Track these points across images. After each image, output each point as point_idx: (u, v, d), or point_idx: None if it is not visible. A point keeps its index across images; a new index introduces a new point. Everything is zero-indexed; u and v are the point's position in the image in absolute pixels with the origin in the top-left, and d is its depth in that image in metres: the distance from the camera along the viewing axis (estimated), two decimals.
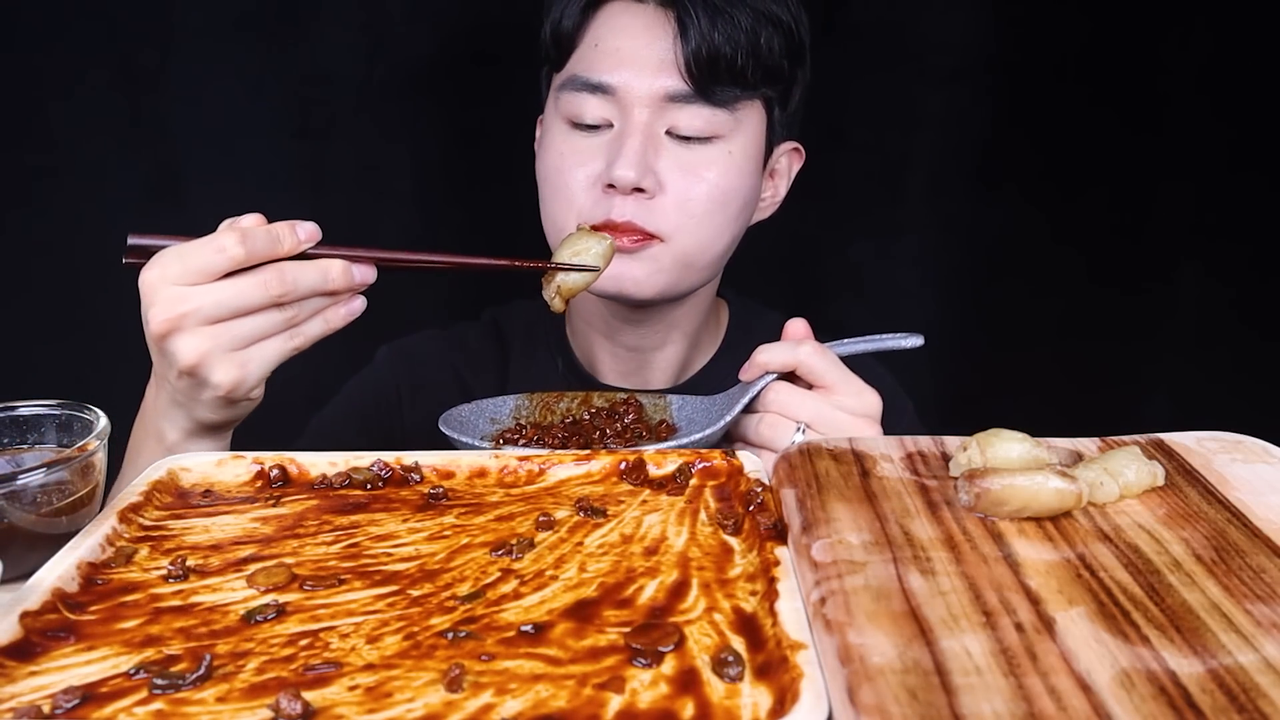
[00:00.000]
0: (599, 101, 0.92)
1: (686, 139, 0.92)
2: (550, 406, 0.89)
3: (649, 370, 1.05)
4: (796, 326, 0.80)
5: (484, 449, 0.75)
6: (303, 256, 0.72)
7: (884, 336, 0.81)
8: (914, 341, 0.81)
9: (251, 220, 0.72)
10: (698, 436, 0.76)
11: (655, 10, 0.91)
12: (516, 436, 0.84)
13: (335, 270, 0.72)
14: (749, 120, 0.94)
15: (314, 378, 1.17)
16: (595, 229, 0.91)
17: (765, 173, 1.00)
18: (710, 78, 0.90)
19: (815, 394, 0.77)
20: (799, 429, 0.74)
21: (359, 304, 0.75)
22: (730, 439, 0.80)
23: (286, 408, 1.19)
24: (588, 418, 0.87)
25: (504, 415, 0.87)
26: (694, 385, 1.06)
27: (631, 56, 0.91)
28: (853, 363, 0.80)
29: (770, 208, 1.04)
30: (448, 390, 1.06)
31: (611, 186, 0.90)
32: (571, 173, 0.93)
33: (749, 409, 0.78)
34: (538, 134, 1.06)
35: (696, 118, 0.91)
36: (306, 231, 0.72)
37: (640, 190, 0.90)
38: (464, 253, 0.80)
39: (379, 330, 1.33)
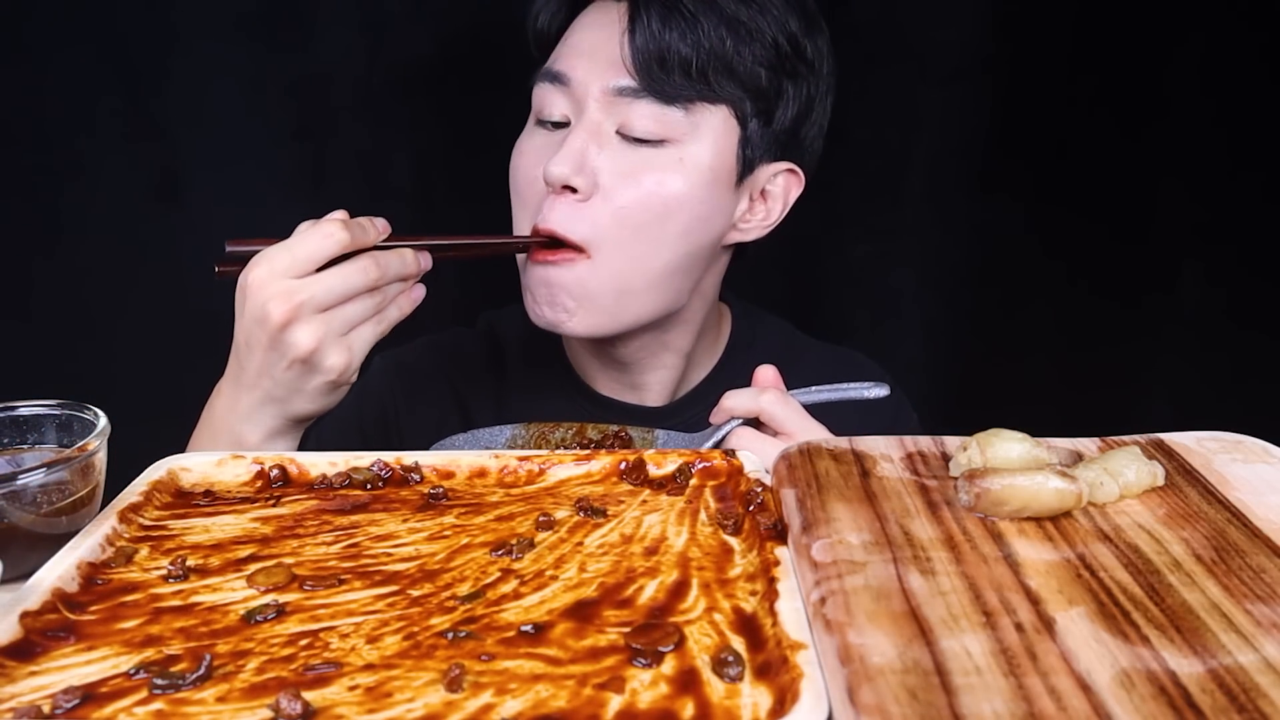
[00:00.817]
0: (560, 96, 0.90)
1: (636, 141, 0.88)
2: (546, 436, 0.88)
3: (643, 389, 1.03)
4: (765, 374, 0.82)
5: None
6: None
7: (849, 386, 0.84)
8: (879, 392, 0.83)
9: (339, 215, 0.78)
10: None
11: (619, 6, 0.90)
12: None
13: (409, 256, 0.79)
14: (709, 126, 0.89)
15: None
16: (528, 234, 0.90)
17: (747, 192, 0.95)
18: (658, 71, 0.86)
19: (777, 440, 0.78)
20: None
21: (420, 291, 0.81)
22: None
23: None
24: (579, 449, 0.88)
25: (499, 445, 0.87)
26: (693, 400, 1.04)
27: (591, 50, 0.89)
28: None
29: (758, 230, 0.98)
30: (443, 401, 1.06)
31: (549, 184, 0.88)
32: (525, 171, 0.92)
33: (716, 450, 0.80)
34: None
35: (647, 117, 0.87)
36: (382, 224, 0.79)
37: (573, 190, 0.87)
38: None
39: None
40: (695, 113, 0.88)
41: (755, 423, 0.80)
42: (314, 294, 0.73)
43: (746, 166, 0.93)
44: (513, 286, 1.15)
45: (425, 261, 0.80)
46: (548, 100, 0.91)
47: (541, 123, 0.92)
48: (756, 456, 0.74)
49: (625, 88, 0.87)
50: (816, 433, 0.78)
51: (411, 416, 1.06)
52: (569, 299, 0.90)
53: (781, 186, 0.97)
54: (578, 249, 0.89)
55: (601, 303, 0.90)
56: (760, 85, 0.90)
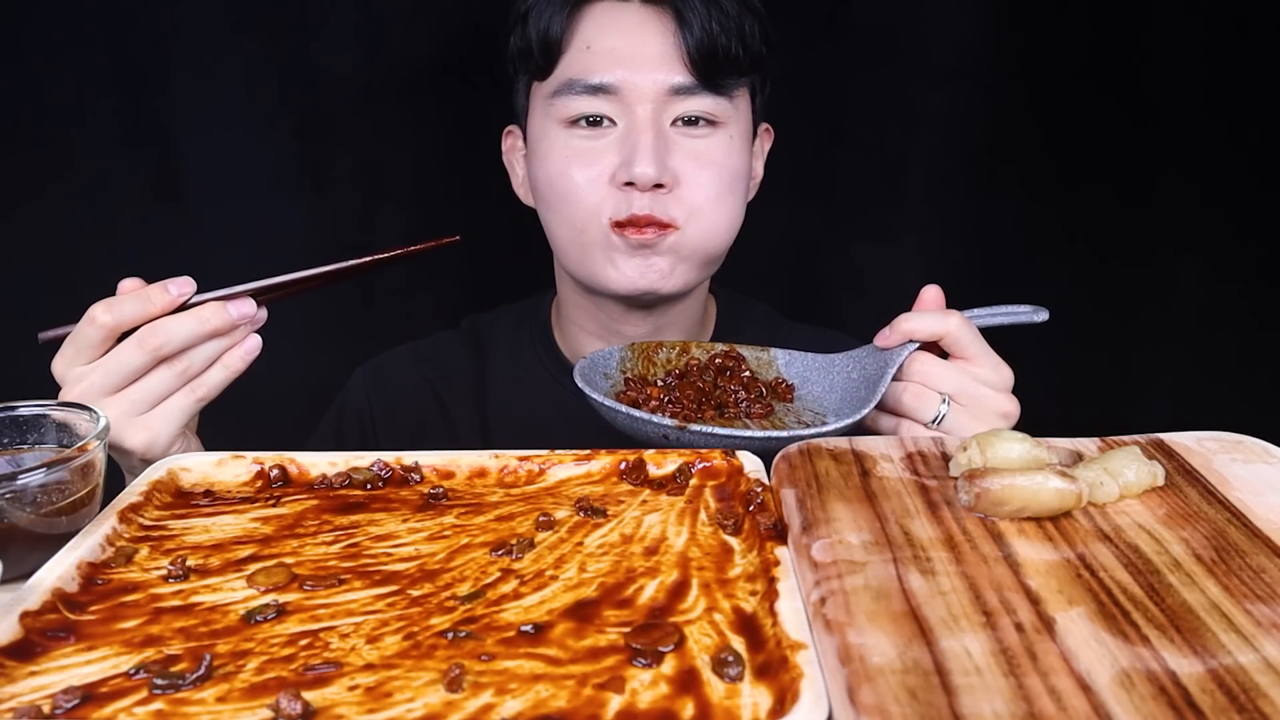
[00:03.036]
0: (599, 102, 0.92)
1: (691, 126, 0.93)
2: (650, 357, 0.89)
3: None
4: (934, 294, 0.80)
5: (616, 409, 0.73)
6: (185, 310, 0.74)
7: (1012, 310, 0.82)
8: (1041, 315, 0.81)
9: (129, 285, 0.75)
10: (858, 417, 0.74)
11: (643, 7, 0.92)
12: (641, 398, 0.81)
13: (208, 311, 0.74)
14: (742, 106, 0.97)
15: (316, 375, 1.18)
16: (618, 225, 0.92)
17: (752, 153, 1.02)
18: (712, 67, 0.91)
19: (956, 365, 0.76)
20: (944, 401, 0.74)
21: (254, 342, 0.77)
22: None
23: (288, 406, 1.20)
24: (695, 371, 0.87)
25: (613, 369, 0.86)
26: None
27: (630, 54, 0.91)
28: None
29: (753, 189, 1.05)
30: (423, 404, 1.07)
31: (629, 184, 0.91)
32: (581, 174, 0.93)
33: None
34: (505, 145, 1.06)
35: (701, 108, 0.93)
36: (179, 286, 0.74)
37: (659, 185, 0.91)
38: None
39: (381, 330, 1.33)
40: (735, 97, 0.95)
41: (925, 346, 0.77)
42: (93, 381, 0.72)
43: (753, 132, 1.01)
44: (512, 286, 1.16)
45: (241, 310, 0.75)
46: (583, 108, 0.92)
47: (575, 126, 0.93)
48: (937, 384, 0.75)
49: (682, 86, 0.92)
50: (994, 358, 0.76)
51: (390, 423, 1.06)
52: (665, 264, 0.94)
53: (759, 145, 1.05)
54: (670, 225, 0.93)
55: (692, 263, 0.96)
56: (762, 57, 0.97)
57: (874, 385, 0.77)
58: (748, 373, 0.86)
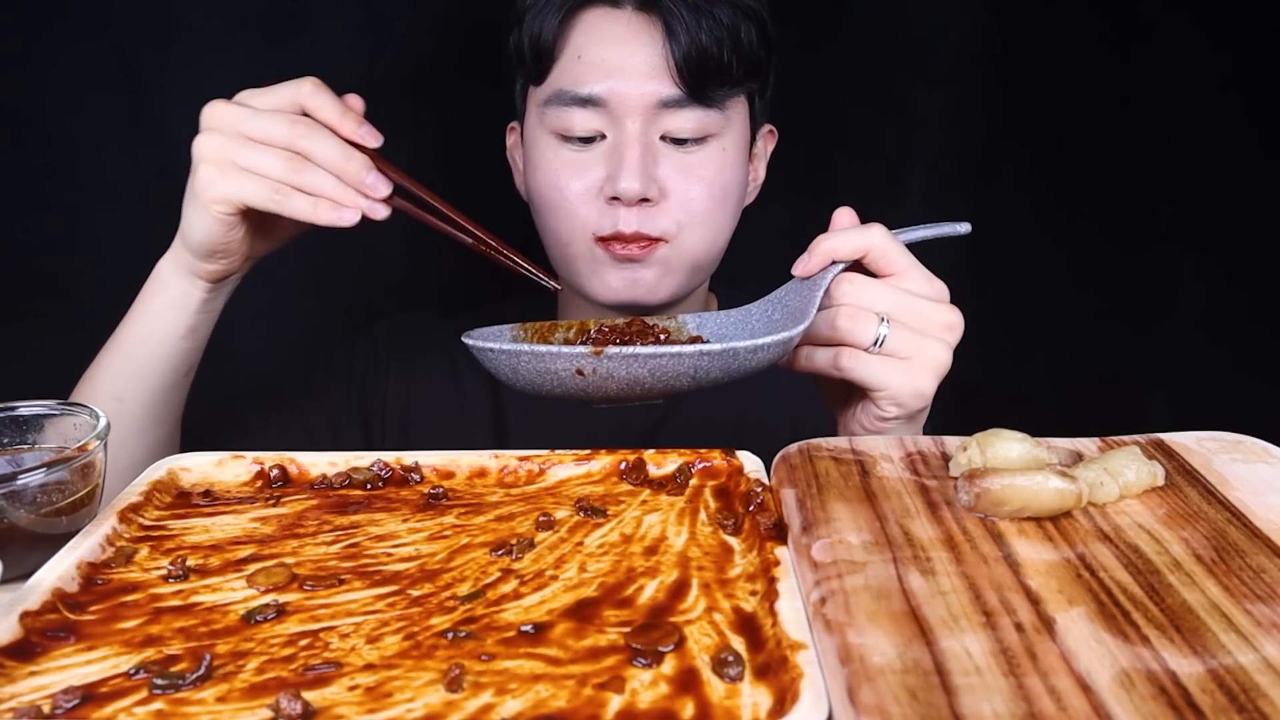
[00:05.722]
0: (589, 114, 0.91)
1: (681, 142, 0.92)
2: (545, 336, 0.82)
3: None
4: (848, 215, 0.75)
5: (519, 350, 0.65)
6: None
7: (936, 225, 0.77)
8: (963, 228, 0.77)
9: (354, 102, 0.79)
10: (796, 330, 0.67)
11: (635, 15, 0.91)
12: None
13: (356, 156, 0.76)
14: (737, 115, 0.95)
15: (312, 369, 1.17)
16: (601, 240, 0.92)
17: (751, 158, 1.01)
18: (701, 80, 0.89)
19: (887, 282, 0.71)
20: (883, 321, 0.69)
21: (350, 215, 0.77)
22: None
23: (287, 395, 1.19)
24: (602, 335, 0.80)
25: (505, 337, 0.80)
26: None
27: (619, 66, 0.90)
28: None
29: (754, 192, 1.04)
30: (439, 369, 1.07)
31: (616, 199, 0.91)
32: (569, 186, 0.93)
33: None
34: (509, 141, 1.07)
35: (689, 120, 0.91)
36: (369, 132, 0.77)
37: (645, 200, 0.91)
38: (471, 255, 0.82)
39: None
40: (727, 107, 0.94)
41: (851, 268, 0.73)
42: (238, 111, 0.75)
43: (752, 137, 1.00)
44: (511, 284, 1.15)
45: (377, 181, 0.76)
46: (573, 120, 0.92)
47: (566, 139, 0.93)
48: (871, 303, 0.70)
49: (670, 99, 0.90)
50: (923, 270, 0.72)
51: (403, 379, 1.07)
52: (651, 276, 0.94)
53: (762, 146, 1.05)
54: (659, 240, 0.93)
55: (679, 277, 0.96)
56: (761, 63, 0.95)
57: (803, 314, 0.70)
58: (663, 335, 0.80)
